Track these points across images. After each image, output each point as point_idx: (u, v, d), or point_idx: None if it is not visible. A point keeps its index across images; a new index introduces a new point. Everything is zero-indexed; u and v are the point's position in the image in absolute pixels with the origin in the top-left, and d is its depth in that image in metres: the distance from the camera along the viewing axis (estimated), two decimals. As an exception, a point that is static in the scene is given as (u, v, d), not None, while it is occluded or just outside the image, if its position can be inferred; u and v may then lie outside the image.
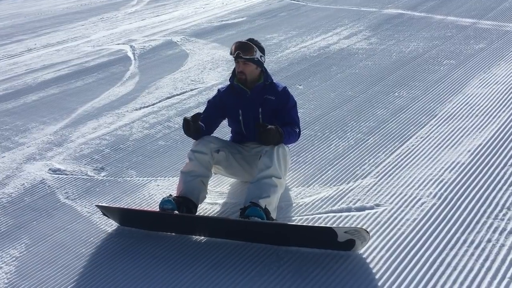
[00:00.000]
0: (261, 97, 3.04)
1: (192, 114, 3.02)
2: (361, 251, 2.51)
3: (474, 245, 2.47)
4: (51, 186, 3.63)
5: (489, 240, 2.50)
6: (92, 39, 8.80)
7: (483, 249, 2.44)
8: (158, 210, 2.82)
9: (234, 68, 3.07)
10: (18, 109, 5.48)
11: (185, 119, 2.90)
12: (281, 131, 2.84)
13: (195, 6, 11.08)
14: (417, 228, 2.64)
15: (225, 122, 3.30)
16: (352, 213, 2.85)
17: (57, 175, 3.79)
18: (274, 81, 3.13)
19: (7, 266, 2.79)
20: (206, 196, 2.99)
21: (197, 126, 2.92)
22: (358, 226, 2.71)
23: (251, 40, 3.03)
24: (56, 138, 4.54)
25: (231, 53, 2.99)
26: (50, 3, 14.55)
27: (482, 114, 3.95)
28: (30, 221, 3.20)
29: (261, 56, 3.01)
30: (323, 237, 2.51)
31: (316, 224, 2.78)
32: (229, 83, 3.14)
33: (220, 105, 3.15)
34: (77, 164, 3.95)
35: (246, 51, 2.94)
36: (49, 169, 3.89)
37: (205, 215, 3.01)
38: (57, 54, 7.94)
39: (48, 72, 6.87)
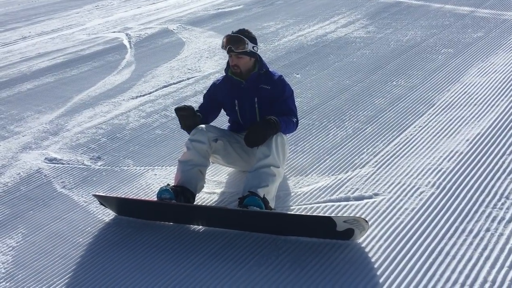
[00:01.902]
0: (256, 87, 3.02)
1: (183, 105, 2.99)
2: (360, 240, 2.51)
3: (473, 234, 2.47)
4: (47, 175, 3.61)
5: (487, 229, 2.50)
6: (87, 27, 8.72)
7: (482, 238, 2.44)
8: (155, 199, 2.81)
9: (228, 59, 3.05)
10: (13, 98, 5.43)
11: (178, 110, 2.91)
12: (278, 121, 2.82)
13: (191, -7, 10.97)
14: (415, 217, 2.64)
15: (222, 111, 3.28)
16: (350, 203, 2.84)
17: (53, 165, 3.76)
18: (270, 69, 3.10)
19: (4, 256, 2.77)
20: (204, 185, 2.98)
21: (193, 115, 2.92)
22: (357, 215, 2.70)
23: (241, 31, 2.96)
24: (52, 127, 4.51)
25: (222, 47, 2.95)
26: (44, -9, 14.37)
27: (481, 103, 3.94)
28: (27, 211, 3.18)
29: (253, 47, 2.95)
30: (321, 227, 2.50)
31: (314, 214, 2.78)
32: (224, 74, 3.12)
33: (215, 98, 3.14)
34: (73, 153, 3.92)
35: (237, 44, 2.90)
36: (45, 158, 3.86)
37: (203, 204, 3.00)
38: (52, 42, 7.86)
39: (43, 60, 6.80)
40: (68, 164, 3.75)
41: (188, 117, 2.94)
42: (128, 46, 7.03)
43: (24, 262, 2.70)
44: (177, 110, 2.94)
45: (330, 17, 7.31)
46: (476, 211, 2.64)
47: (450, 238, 2.46)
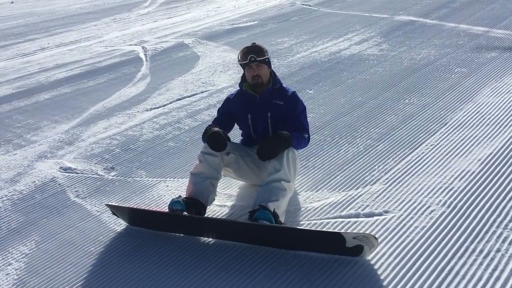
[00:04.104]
0: (269, 102, 3.06)
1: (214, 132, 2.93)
2: (369, 257, 2.51)
3: (483, 254, 2.46)
4: (62, 184, 3.67)
5: (498, 250, 2.48)
6: (104, 39, 8.88)
7: (492, 259, 2.42)
8: (167, 210, 2.84)
9: (243, 74, 3.10)
10: (31, 108, 5.54)
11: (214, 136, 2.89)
12: (290, 135, 2.85)
13: (207, 9, 11.14)
14: (425, 236, 2.63)
15: (235, 125, 3.32)
16: (360, 219, 2.85)
17: (68, 174, 3.82)
18: (284, 85, 3.15)
19: (17, 262, 2.81)
20: (215, 198, 3.01)
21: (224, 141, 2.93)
22: (367, 232, 2.71)
23: (255, 44, 3.08)
24: (68, 137, 4.58)
25: (240, 60, 3.02)
26: (63, 3, 14.69)
27: (493, 123, 3.93)
28: (40, 219, 3.23)
29: (269, 58, 3.06)
30: (331, 242, 2.51)
31: (324, 229, 2.78)
32: (238, 88, 3.18)
33: (229, 112, 3.19)
34: (87, 163, 3.98)
35: (258, 53, 2.99)
36: (60, 168, 3.93)
37: (214, 217, 3.02)
38: (69, 53, 8.01)
39: (60, 71, 6.93)
40: (82, 173, 3.81)
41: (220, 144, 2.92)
42: (144, 59, 7.14)
43: (37, 269, 2.74)
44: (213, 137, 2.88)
45: (344, 34, 7.37)
46: (486, 231, 2.63)
47: (460, 258, 2.45)
